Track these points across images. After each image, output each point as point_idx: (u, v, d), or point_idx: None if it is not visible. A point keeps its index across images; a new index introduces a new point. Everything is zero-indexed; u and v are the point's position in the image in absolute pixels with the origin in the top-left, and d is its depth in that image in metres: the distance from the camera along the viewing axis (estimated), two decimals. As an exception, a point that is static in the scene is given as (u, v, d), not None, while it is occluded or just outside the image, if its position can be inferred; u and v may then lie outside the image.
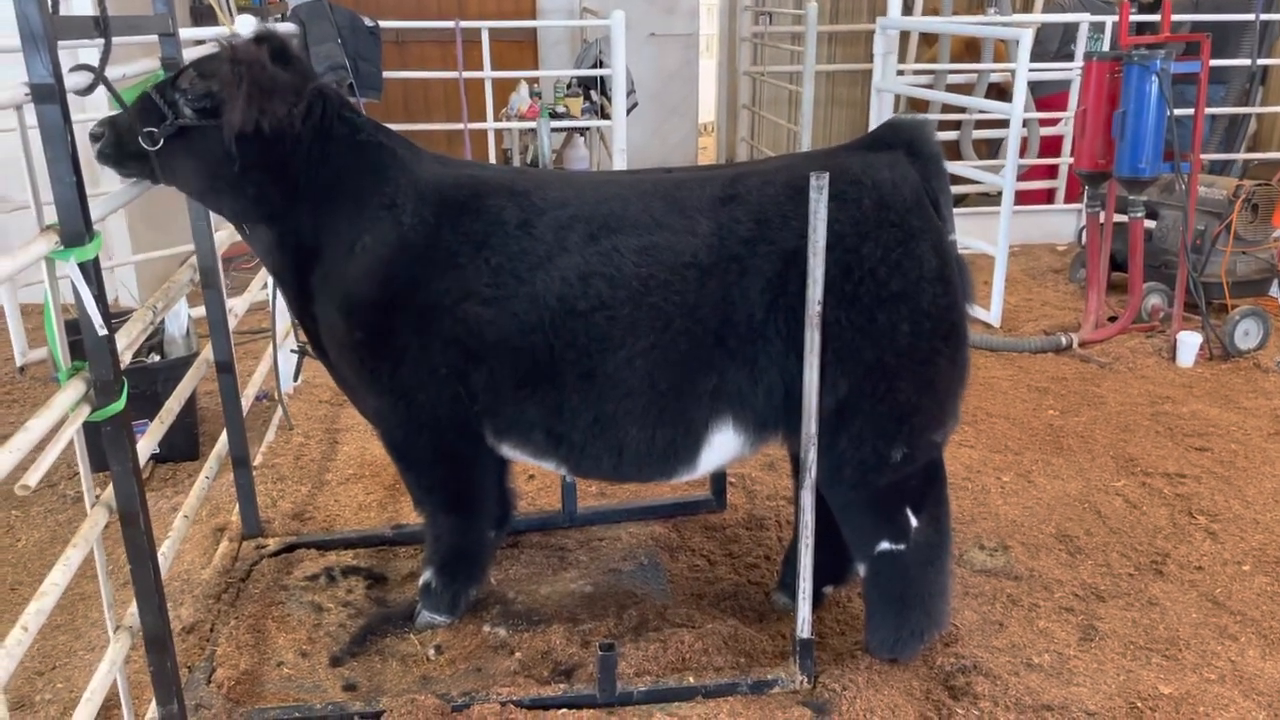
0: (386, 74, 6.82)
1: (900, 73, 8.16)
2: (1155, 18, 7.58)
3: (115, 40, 2.57)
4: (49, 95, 2.18)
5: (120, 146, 2.72)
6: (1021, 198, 8.58)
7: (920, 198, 2.69)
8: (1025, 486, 4.15)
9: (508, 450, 2.94)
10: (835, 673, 2.96)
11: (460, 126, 6.91)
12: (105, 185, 2.85)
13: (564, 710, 2.83)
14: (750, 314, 2.66)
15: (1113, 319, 5.94)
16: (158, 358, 4.58)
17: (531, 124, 7.56)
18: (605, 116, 9.11)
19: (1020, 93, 5.87)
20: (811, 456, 2.72)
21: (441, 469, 3.02)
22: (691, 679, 2.92)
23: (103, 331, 2.34)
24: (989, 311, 6.22)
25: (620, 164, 7.22)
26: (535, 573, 3.52)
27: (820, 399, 2.64)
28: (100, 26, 2.52)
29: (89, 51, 2.54)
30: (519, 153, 7.71)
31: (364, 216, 2.82)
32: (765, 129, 11.09)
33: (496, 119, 7.32)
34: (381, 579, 3.49)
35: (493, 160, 6.93)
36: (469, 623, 3.24)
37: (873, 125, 7.37)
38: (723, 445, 2.80)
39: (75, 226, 2.27)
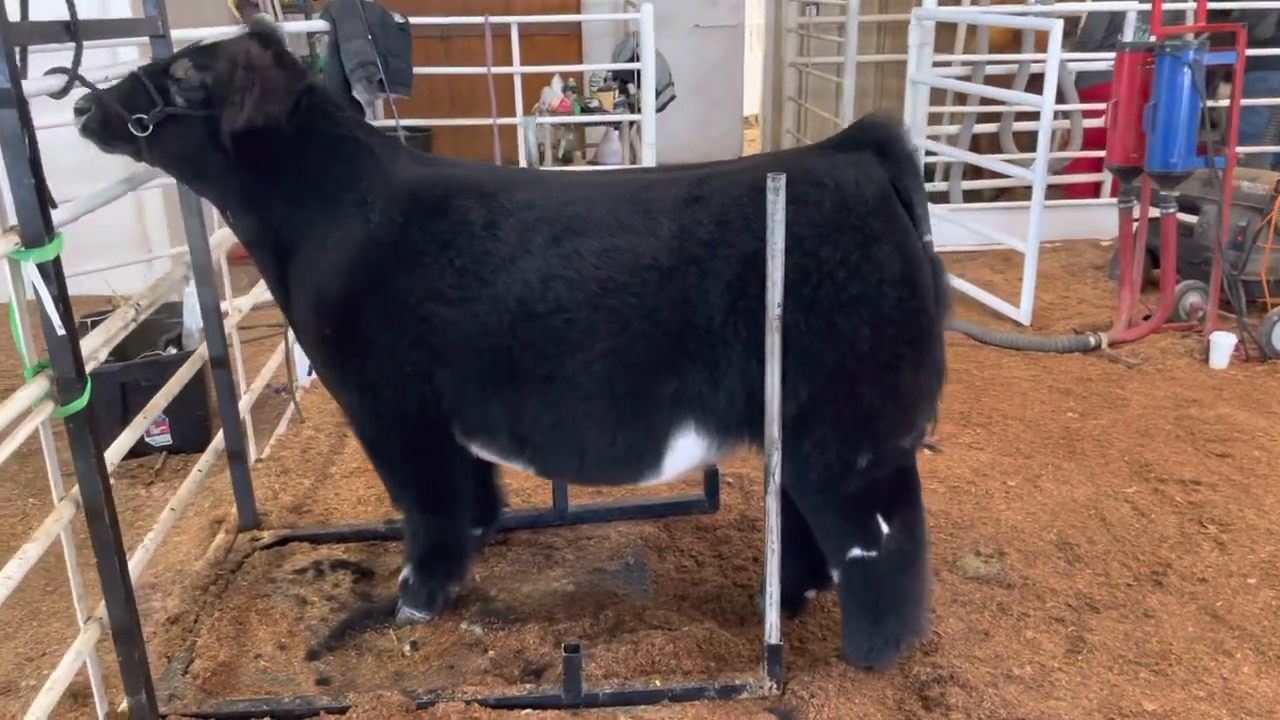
0: (419, 70, 6.88)
1: (948, 64, 8.01)
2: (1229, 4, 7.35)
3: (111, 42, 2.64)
4: (5, 100, 2.23)
5: (106, 125, 2.73)
6: (1067, 191, 8.39)
7: (885, 199, 2.63)
8: (1031, 491, 4.04)
9: (477, 450, 2.96)
10: (806, 679, 2.92)
11: (489, 121, 6.93)
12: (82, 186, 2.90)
13: (529, 710, 2.84)
14: (710, 317, 2.63)
15: (1148, 318, 5.76)
16: (175, 351, 4.68)
17: (565, 119, 7.60)
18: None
19: (1050, 84, 5.71)
20: (774, 461, 2.68)
21: (412, 466, 3.04)
22: (658, 682, 2.90)
23: (61, 331, 2.39)
24: (1019, 309, 6.08)
25: (650, 159, 7.19)
26: (519, 570, 3.53)
27: (782, 404, 2.61)
28: (71, 31, 2.58)
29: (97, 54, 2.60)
30: (550, 147, 7.73)
31: (336, 213, 2.85)
32: (811, 121, 10.97)
33: (528, 114, 7.34)
34: (369, 574, 3.53)
35: (521, 156, 6.95)
36: (448, 619, 3.26)
37: (907, 118, 7.24)
38: (686, 450, 2.77)
39: (35, 228, 2.33)
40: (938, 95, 8.04)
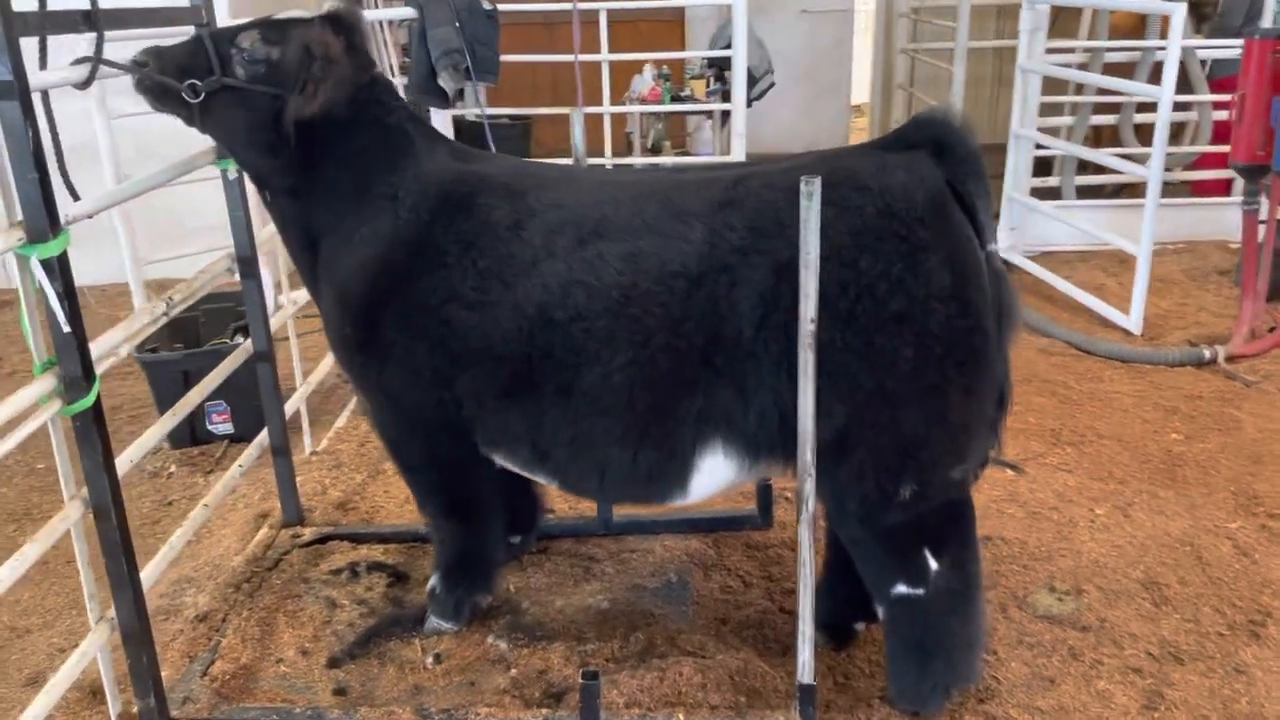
0: (516, 57, 6.79)
1: (1069, 50, 7.53)
2: None
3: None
4: (8, 92, 2.19)
5: (162, 85, 2.66)
6: (1193, 188, 7.81)
7: (938, 205, 2.37)
8: (1120, 522, 3.70)
9: (500, 461, 2.82)
10: (842, 722, 2.71)
11: (566, 110, 6.77)
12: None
13: (543, 737, 2.70)
14: (740, 330, 2.42)
15: (1273, 330, 5.27)
16: (242, 339, 4.69)
17: (655, 107, 7.42)
18: (746, 102, 8.88)
19: (1170, 73, 5.26)
20: (808, 488, 2.46)
21: (436, 474, 2.93)
22: (682, 716, 2.72)
23: (66, 329, 2.34)
24: (1128, 317, 5.65)
25: (739, 150, 6.95)
26: (556, 583, 3.39)
27: (816, 427, 2.39)
28: (90, 20, 2.53)
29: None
30: (640, 137, 7.56)
31: (367, 206, 2.75)
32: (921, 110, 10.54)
33: (616, 103, 7.18)
34: (404, 578, 3.44)
35: (607, 146, 6.80)
36: (475, 631, 3.14)
37: (1016, 108, 6.83)
38: (714, 472, 2.58)
39: (39, 223, 2.28)
40: (1059, 85, 7.56)
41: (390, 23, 6.75)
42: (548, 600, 3.29)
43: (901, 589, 2.61)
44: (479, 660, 3.03)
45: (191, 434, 4.51)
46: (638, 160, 7.48)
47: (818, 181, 2.23)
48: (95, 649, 2.59)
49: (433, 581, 3.12)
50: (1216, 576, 3.36)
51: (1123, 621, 3.16)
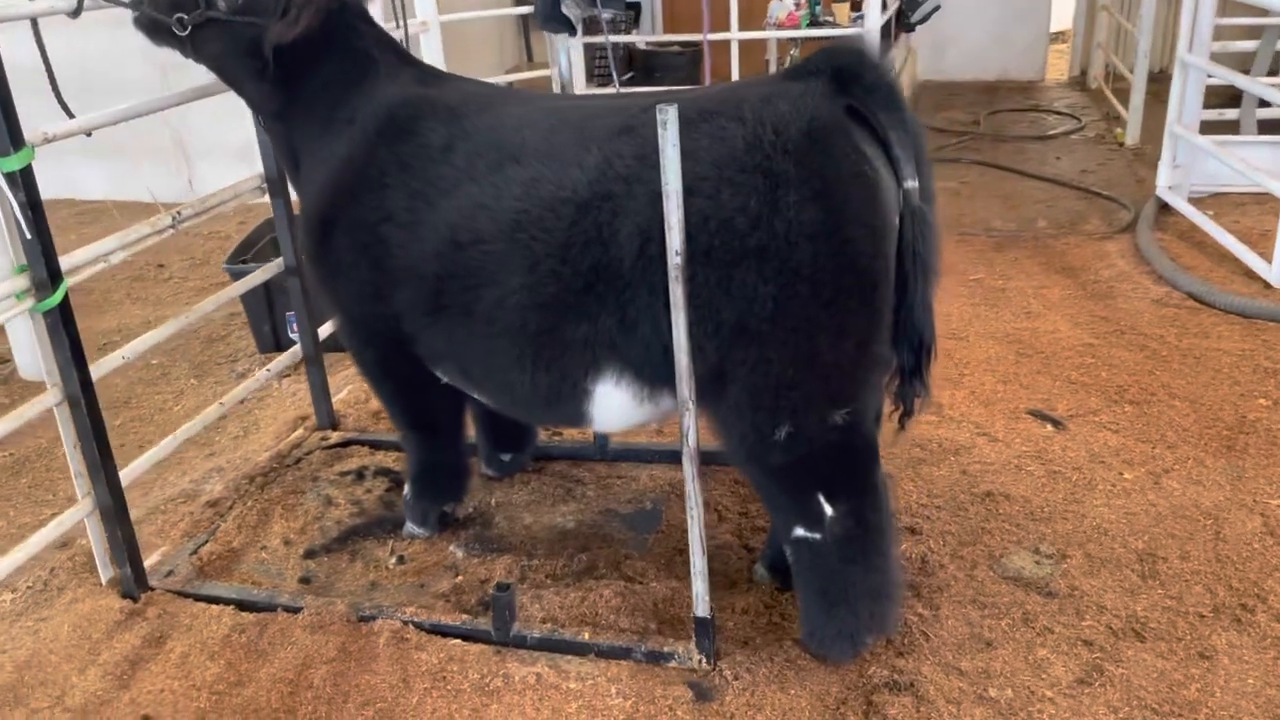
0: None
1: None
2: None
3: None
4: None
5: (154, 21, 2.87)
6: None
7: (818, 138, 2.25)
8: (1146, 488, 3.40)
9: (441, 376, 2.94)
10: (743, 659, 2.70)
11: (699, 38, 6.72)
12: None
13: (458, 640, 2.84)
14: (621, 259, 2.41)
15: None
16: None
17: (791, 33, 7.21)
18: (905, 26, 8.46)
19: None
20: (687, 422, 2.45)
21: (392, 385, 3.09)
22: (588, 635, 2.80)
23: (29, 236, 2.64)
24: (1271, 267, 5.06)
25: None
26: (534, 500, 3.51)
27: (692, 361, 2.36)
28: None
29: None
30: (776, 65, 7.36)
31: (331, 129, 2.90)
32: (1126, 36, 9.65)
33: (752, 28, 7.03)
34: (404, 485, 3.65)
35: (734, 73, 6.69)
36: (446, 539, 3.32)
37: (1184, 30, 6.15)
38: (610, 399, 2.59)
39: (2, 140, 2.57)
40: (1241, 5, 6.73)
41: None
42: (519, 516, 3.43)
43: (800, 531, 2.56)
44: (435, 565, 3.21)
45: (276, 342, 4.91)
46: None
47: (673, 109, 2.18)
48: (74, 518, 2.94)
49: (405, 489, 3.32)
50: (1225, 554, 3.05)
51: (1096, 592, 2.94)
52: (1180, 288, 5.06)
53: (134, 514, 3.49)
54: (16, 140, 2.58)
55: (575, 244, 2.45)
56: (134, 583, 3.02)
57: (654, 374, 2.50)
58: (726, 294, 2.29)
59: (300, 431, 4.00)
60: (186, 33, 2.85)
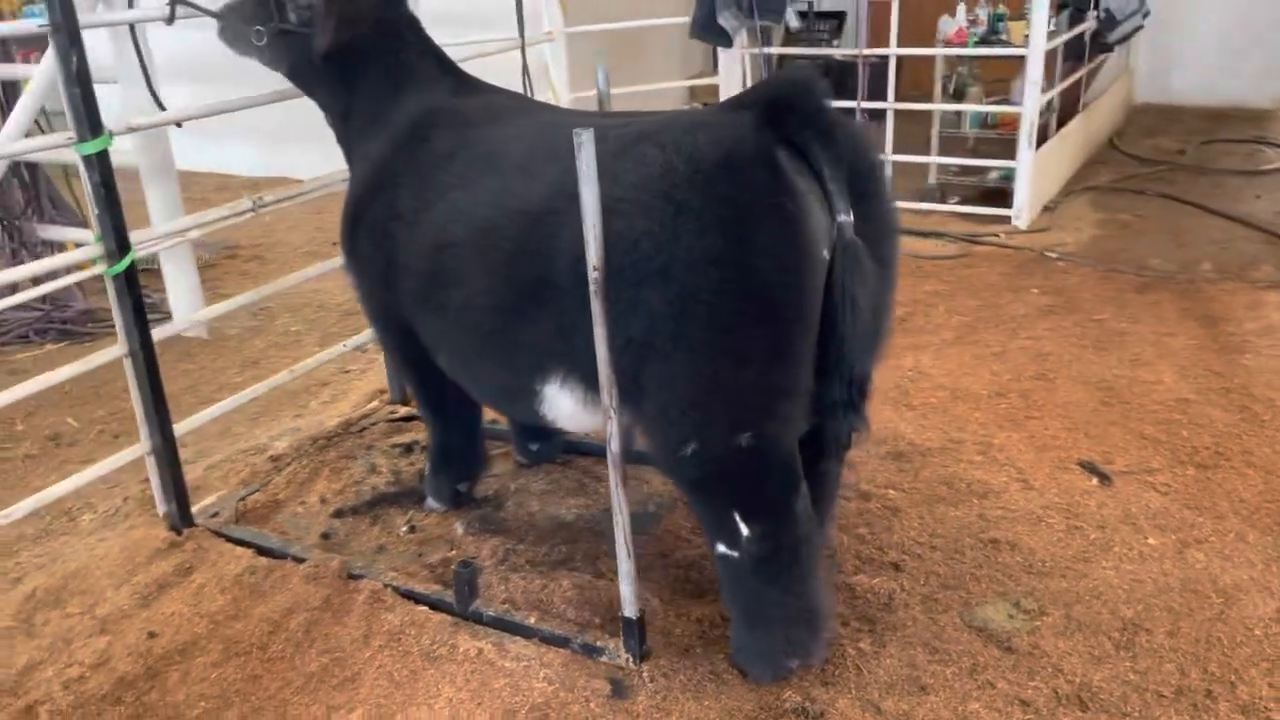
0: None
1: None
2: None
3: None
4: (58, 29, 2.91)
5: (236, 33, 3.29)
6: None
7: (735, 168, 2.31)
8: (1166, 556, 3.19)
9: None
10: (669, 664, 2.80)
11: (855, 53, 6.66)
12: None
13: (425, 607, 3.08)
14: (560, 271, 2.56)
15: None
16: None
17: (956, 50, 7.01)
18: (1101, 46, 8.00)
19: None
20: (611, 429, 2.57)
21: (407, 370, 3.38)
22: (534, 619, 2.97)
23: (97, 212, 3.09)
24: None
25: (1032, 99, 6.40)
26: (549, 490, 3.71)
27: (611, 372, 2.48)
28: (167, -28, 3.21)
29: None
30: (940, 83, 7.16)
31: (372, 132, 3.21)
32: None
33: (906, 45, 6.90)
34: (446, 462, 3.94)
35: (890, 91, 6.59)
36: (458, 515, 3.58)
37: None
38: (558, 400, 2.75)
39: (83, 128, 3.02)
40: None
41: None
42: (528, 503, 3.63)
43: (721, 548, 2.63)
44: (438, 539, 3.47)
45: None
46: (934, 105, 7.12)
47: (590, 132, 2.31)
48: (131, 456, 3.40)
49: (426, 466, 3.60)
50: (1218, 636, 2.83)
51: (1059, 654, 2.82)
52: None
53: (211, 459, 3.99)
54: (95, 128, 3.03)
55: (526, 253, 2.62)
56: (179, 519, 3.46)
57: (594, 380, 2.64)
58: (635, 312, 2.39)
59: (375, 403, 4.38)
60: (264, 43, 3.23)
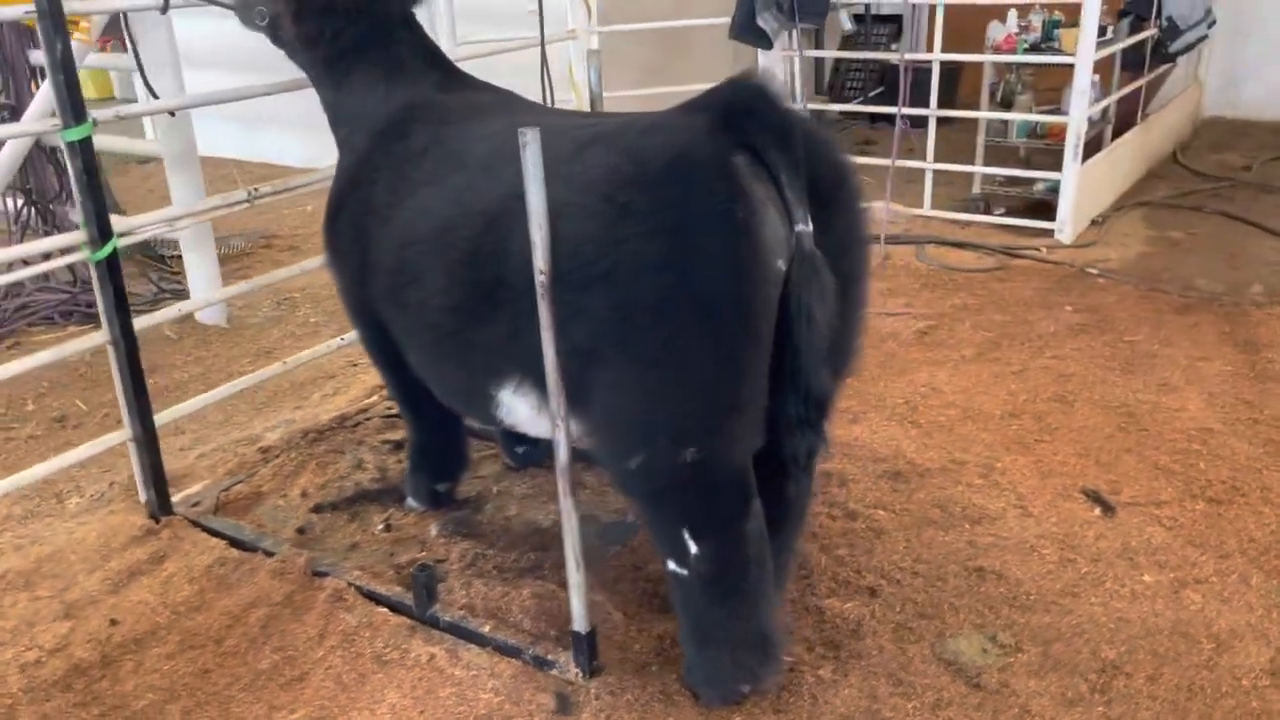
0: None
1: None
2: None
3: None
4: (44, 14, 2.94)
5: (245, 17, 3.29)
6: None
7: (683, 173, 2.22)
8: (1159, 595, 3.02)
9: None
10: (618, 681, 2.72)
11: (895, 58, 6.49)
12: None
13: (384, 609, 3.04)
14: (512, 272, 2.49)
15: None
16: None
17: (1004, 57, 6.80)
18: (1163, 56, 7.71)
19: None
20: (559, 437, 2.50)
21: (385, 368, 3.33)
22: (488, 628, 2.91)
23: (80, 199, 3.11)
24: None
25: (1079, 108, 6.18)
26: (530, 495, 3.65)
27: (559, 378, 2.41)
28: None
29: None
30: (988, 89, 6.95)
31: (357, 124, 3.18)
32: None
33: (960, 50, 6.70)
34: (433, 460, 3.90)
35: (932, 98, 6.43)
36: (436, 516, 3.54)
37: None
38: (513, 404, 2.68)
39: (67, 115, 3.04)
40: None
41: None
42: (506, 506, 3.58)
43: (671, 564, 2.55)
44: (411, 539, 3.43)
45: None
46: (977, 114, 6.92)
47: (535, 132, 2.24)
48: (112, 441, 3.41)
49: (405, 464, 3.56)
50: (1201, 685, 2.67)
51: (1029, 694, 2.67)
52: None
53: (204, 448, 4.01)
54: (79, 115, 3.05)
55: (482, 254, 2.56)
56: (158, 507, 3.47)
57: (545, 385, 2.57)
58: (580, 317, 2.32)
59: (374, 398, 4.36)
60: (265, 23, 3.22)
